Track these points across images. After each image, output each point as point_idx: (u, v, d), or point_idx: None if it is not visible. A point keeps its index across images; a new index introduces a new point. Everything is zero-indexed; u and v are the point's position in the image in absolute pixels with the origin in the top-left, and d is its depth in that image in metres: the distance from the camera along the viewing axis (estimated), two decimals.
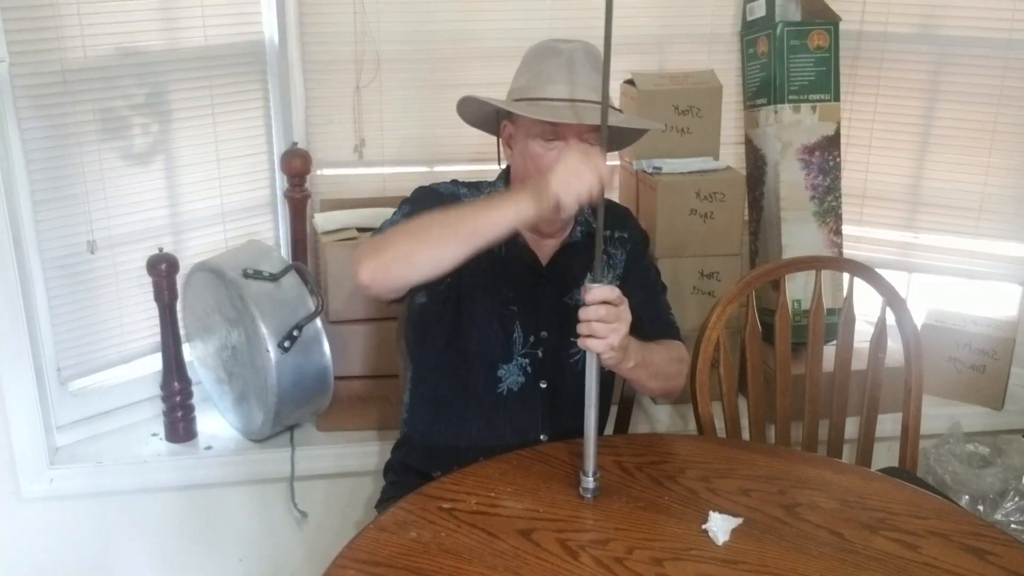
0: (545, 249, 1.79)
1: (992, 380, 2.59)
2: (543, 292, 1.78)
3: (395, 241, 1.52)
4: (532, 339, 1.77)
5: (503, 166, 1.82)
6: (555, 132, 1.64)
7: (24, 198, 2.15)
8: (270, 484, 2.38)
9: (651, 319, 1.82)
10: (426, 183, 1.83)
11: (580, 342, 1.49)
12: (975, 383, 2.60)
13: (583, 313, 1.48)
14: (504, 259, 1.75)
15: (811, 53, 2.56)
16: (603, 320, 1.47)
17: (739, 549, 1.45)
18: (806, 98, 2.56)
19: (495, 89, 1.71)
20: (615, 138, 1.79)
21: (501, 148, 1.79)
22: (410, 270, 1.53)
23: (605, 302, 1.47)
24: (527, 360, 1.78)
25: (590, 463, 1.54)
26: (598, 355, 1.49)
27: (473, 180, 1.85)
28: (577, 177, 1.44)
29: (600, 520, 1.51)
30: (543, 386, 1.79)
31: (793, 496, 1.59)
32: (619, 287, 1.80)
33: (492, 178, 1.86)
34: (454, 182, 1.84)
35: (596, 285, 1.48)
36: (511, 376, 1.78)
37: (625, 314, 1.50)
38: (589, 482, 1.55)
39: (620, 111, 1.73)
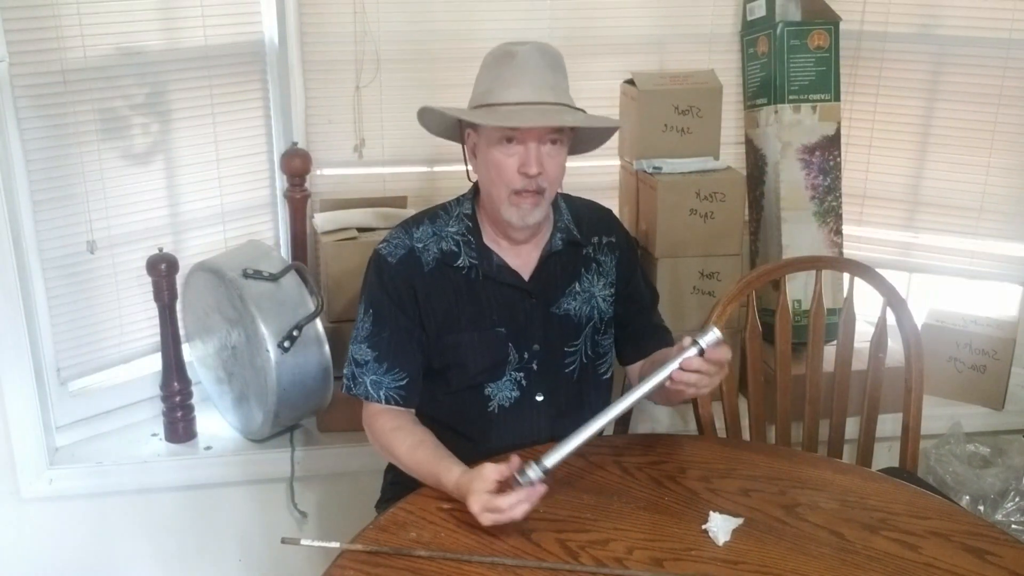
0: (526, 261, 1.76)
1: (993, 380, 2.58)
2: (530, 306, 1.75)
3: (381, 448, 1.72)
4: (526, 355, 1.75)
5: (472, 180, 1.78)
6: (514, 136, 1.62)
7: (24, 198, 2.15)
8: (270, 484, 2.38)
9: (648, 334, 1.84)
10: (389, 233, 1.78)
11: (681, 389, 1.53)
12: (976, 383, 2.60)
13: (705, 368, 1.52)
14: (483, 282, 1.73)
15: (811, 53, 2.55)
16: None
17: (739, 549, 1.45)
18: (806, 98, 2.56)
19: None
20: (583, 139, 1.78)
21: (468, 159, 1.75)
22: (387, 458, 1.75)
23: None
24: (521, 374, 1.75)
25: (554, 459, 1.48)
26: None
27: (444, 202, 1.81)
28: (496, 522, 1.45)
29: (600, 520, 1.51)
30: (539, 399, 1.77)
31: (793, 496, 1.59)
32: (612, 296, 1.81)
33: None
34: (415, 219, 1.78)
35: (631, 398, 1.52)
36: (501, 392, 1.75)
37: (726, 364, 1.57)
38: (535, 471, 1.45)
39: (582, 111, 1.70)
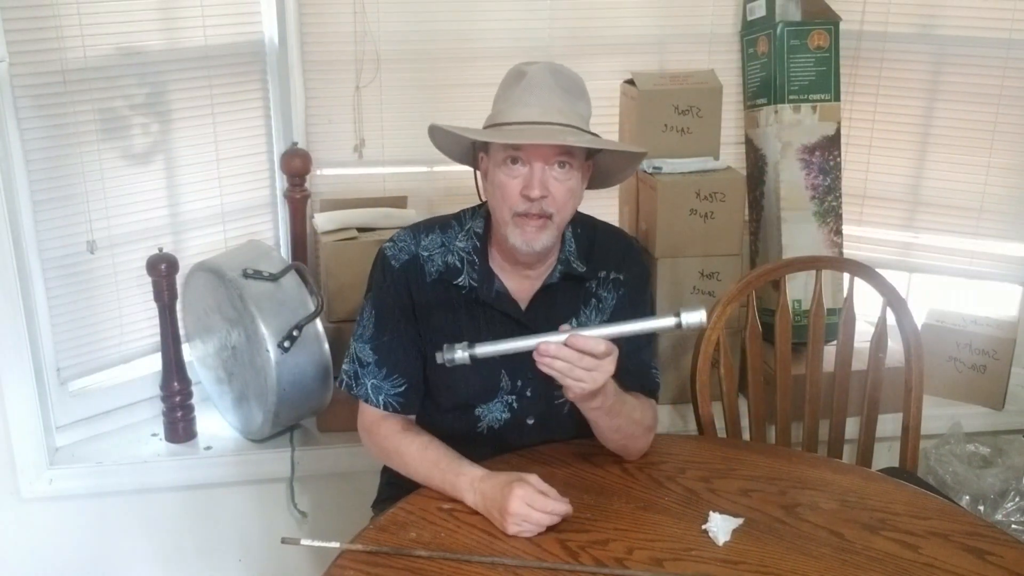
0: (525, 290, 1.70)
1: (992, 380, 2.58)
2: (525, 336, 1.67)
3: (381, 451, 1.71)
4: (519, 382, 1.70)
5: (483, 199, 1.71)
6: (519, 157, 1.55)
7: (24, 198, 2.15)
8: (270, 484, 2.38)
9: (633, 372, 1.69)
10: (398, 232, 1.74)
11: (546, 369, 1.45)
12: (975, 383, 2.60)
13: (557, 351, 1.43)
14: (484, 305, 1.68)
15: (811, 53, 2.56)
16: (584, 368, 1.44)
17: (739, 549, 1.45)
18: (806, 98, 2.56)
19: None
20: (606, 170, 1.71)
21: (479, 182, 1.69)
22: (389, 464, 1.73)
23: (590, 354, 1.43)
24: (513, 397, 1.72)
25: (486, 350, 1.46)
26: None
27: (459, 211, 1.74)
28: (528, 521, 1.47)
29: (600, 520, 1.52)
30: (530, 422, 1.73)
31: (793, 496, 1.59)
32: None
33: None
34: (427, 225, 1.73)
35: (585, 333, 1.43)
36: (491, 414, 1.72)
37: (607, 366, 1.46)
38: (456, 352, 1.44)
39: (596, 135, 1.61)
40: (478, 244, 1.69)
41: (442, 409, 1.73)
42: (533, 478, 1.50)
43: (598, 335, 1.44)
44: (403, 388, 1.68)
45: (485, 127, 1.64)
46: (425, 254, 1.69)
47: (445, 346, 1.45)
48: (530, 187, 1.55)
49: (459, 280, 1.68)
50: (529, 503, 1.46)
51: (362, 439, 1.73)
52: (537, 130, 1.55)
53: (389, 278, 1.69)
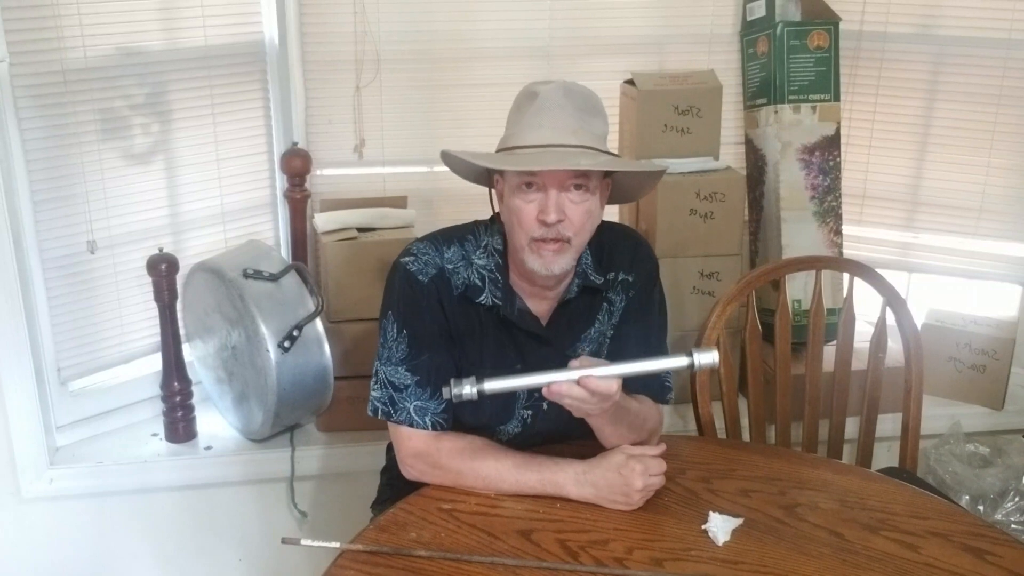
0: (544, 307, 1.67)
1: (992, 380, 2.59)
2: (545, 352, 1.66)
3: (455, 477, 1.61)
4: (536, 393, 1.64)
5: (495, 211, 1.67)
6: (534, 182, 1.52)
7: (24, 198, 2.15)
8: (270, 484, 2.38)
9: (640, 376, 1.64)
10: (409, 246, 1.67)
11: (554, 399, 1.46)
12: (975, 383, 2.60)
13: (569, 390, 1.44)
14: (506, 322, 1.65)
15: (811, 53, 2.56)
16: (593, 402, 1.46)
17: (739, 549, 1.45)
18: (806, 98, 2.57)
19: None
20: (625, 186, 1.68)
21: (495, 201, 1.66)
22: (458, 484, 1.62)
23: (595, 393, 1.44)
24: (529, 412, 1.69)
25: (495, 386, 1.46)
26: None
27: (472, 225, 1.70)
28: (652, 487, 1.56)
29: (600, 520, 1.52)
30: (541, 434, 1.70)
31: (793, 497, 1.59)
32: (612, 334, 1.71)
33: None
34: (445, 238, 1.67)
35: (597, 373, 1.44)
36: (505, 428, 1.70)
37: (616, 396, 1.47)
38: (464, 387, 1.44)
39: (614, 155, 1.59)
40: (500, 261, 1.65)
41: (464, 427, 1.67)
42: (630, 449, 1.56)
43: (610, 375, 1.45)
44: (446, 404, 1.62)
45: (498, 150, 1.59)
46: (450, 267, 1.64)
47: (452, 381, 1.44)
48: (546, 212, 1.51)
49: (481, 299, 1.63)
50: (650, 472, 1.54)
51: (408, 465, 1.63)
52: (551, 154, 1.51)
53: (419, 293, 1.62)
